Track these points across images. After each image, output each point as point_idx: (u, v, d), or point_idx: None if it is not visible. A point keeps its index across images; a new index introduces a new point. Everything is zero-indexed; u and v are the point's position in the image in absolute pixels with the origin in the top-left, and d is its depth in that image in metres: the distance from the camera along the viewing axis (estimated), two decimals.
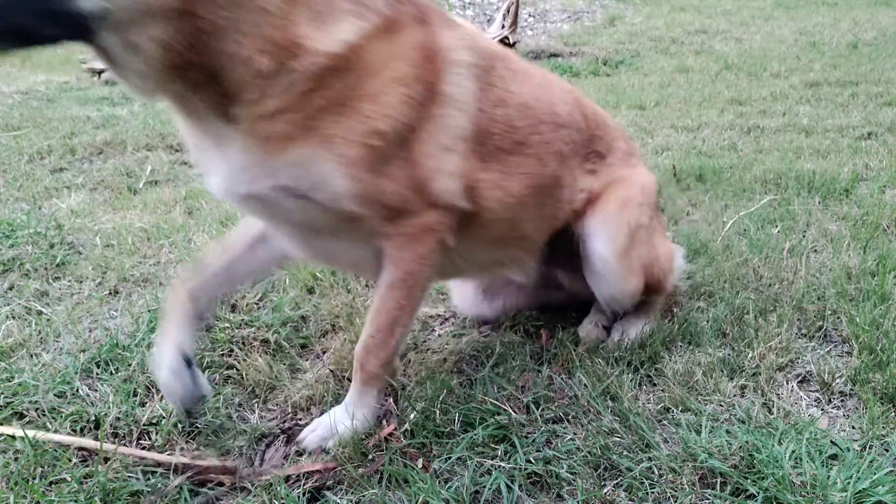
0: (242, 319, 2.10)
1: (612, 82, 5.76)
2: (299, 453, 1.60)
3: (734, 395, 1.76)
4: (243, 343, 2.00)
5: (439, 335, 2.11)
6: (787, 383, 1.82)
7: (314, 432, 1.62)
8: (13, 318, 2.13)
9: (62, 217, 2.98)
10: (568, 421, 1.66)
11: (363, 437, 1.59)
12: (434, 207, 1.58)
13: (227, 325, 2.06)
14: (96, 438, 1.57)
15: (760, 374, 1.82)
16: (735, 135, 3.94)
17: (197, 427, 1.65)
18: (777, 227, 2.69)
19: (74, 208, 3.12)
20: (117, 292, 2.37)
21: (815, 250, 2.50)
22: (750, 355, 1.89)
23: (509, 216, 1.76)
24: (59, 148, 4.25)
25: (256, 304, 2.22)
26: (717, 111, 4.50)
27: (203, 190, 3.31)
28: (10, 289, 2.35)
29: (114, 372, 1.84)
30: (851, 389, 1.79)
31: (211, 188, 1.52)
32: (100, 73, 7.00)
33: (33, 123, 4.95)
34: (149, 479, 1.46)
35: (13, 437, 1.57)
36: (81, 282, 2.42)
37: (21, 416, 1.68)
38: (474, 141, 1.63)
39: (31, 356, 1.93)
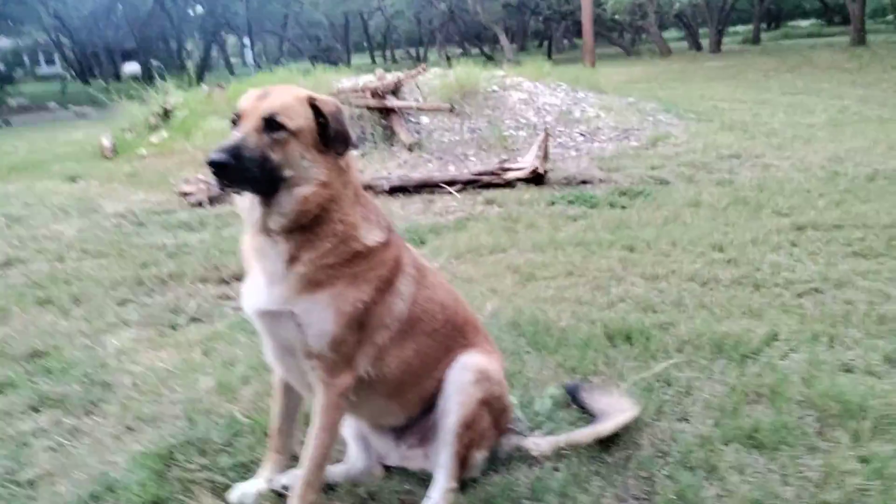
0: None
1: (621, 216, 6.29)
2: None
3: None
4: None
5: None
6: None
7: None
8: (47, 451, 2.90)
9: (109, 356, 3.81)
10: None
11: None
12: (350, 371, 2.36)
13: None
14: None
15: None
16: (690, 287, 4.41)
17: None
18: (670, 390, 3.17)
19: (121, 346, 3.96)
20: (131, 429, 3.12)
21: (685, 417, 2.97)
22: None
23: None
24: (130, 279, 5.17)
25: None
26: (692, 257, 4.97)
27: (222, 332, 4.10)
28: (53, 423, 3.14)
29: None
30: None
31: (245, 302, 2.34)
32: (188, 195, 8.11)
33: (117, 251, 5.96)
34: None
35: None
36: (106, 418, 3.19)
37: None
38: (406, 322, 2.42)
39: (52, 485, 2.68)
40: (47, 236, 6.64)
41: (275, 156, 2.11)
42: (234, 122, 2.18)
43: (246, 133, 2.11)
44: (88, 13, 39.65)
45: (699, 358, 3.46)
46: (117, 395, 3.40)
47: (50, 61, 54.59)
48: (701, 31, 37.73)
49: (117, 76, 39.97)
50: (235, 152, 2.06)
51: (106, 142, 11.98)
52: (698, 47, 34.70)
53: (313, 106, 2.22)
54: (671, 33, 43.57)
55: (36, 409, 3.27)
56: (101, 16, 41.15)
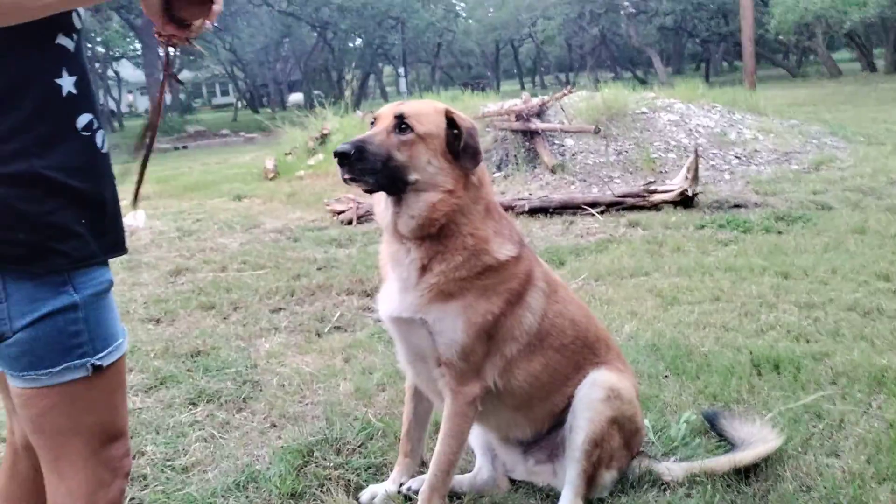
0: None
1: (777, 242, 5.95)
2: None
3: None
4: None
5: None
6: None
7: None
8: (201, 441, 3.13)
9: (260, 358, 4.07)
10: None
11: None
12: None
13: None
14: None
15: None
16: (849, 316, 4.09)
17: None
18: (820, 423, 2.96)
19: (271, 350, 4.21)
20: (275, 426, 3.31)
21: (835, 452, 2.76)
22: None
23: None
24: (283, 289, 5.50)
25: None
26: (853, 286, 4.61)
27: (362, 341, 4.26)
28: (207, 416, 3.39)
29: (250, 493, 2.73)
30: None
31: (380, 308, 2.46)
32: (339, 213, 8.52)
33: (274, 263, 6.36)
34: None
35: None
36: (254, 414, 3.41)
37: None
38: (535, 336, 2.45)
39: (202, 473, 2.89)
40: (213, 248, 7.21)
41: (400, 155, 2.21)
42: (372, 125, 2.31)
43: (376, 132, 2.24)
44: (260, 48, 42.84)
45: (855, 391, 3.20)
46: (265, 393, 3.61)
47: (224, 92, 59.34)
48: (876, 51, 35.18)
49: (283, 105, 42.74)
50: (360, 146, 2.18)
51: (269, 164, 12.83)
52: (872, 68, 32.30)
53: (448, 118, 2.30)
54: (841, 54, 40.83)
55: (194, 403, 3.54)
56: (271, 50, 44.33)
